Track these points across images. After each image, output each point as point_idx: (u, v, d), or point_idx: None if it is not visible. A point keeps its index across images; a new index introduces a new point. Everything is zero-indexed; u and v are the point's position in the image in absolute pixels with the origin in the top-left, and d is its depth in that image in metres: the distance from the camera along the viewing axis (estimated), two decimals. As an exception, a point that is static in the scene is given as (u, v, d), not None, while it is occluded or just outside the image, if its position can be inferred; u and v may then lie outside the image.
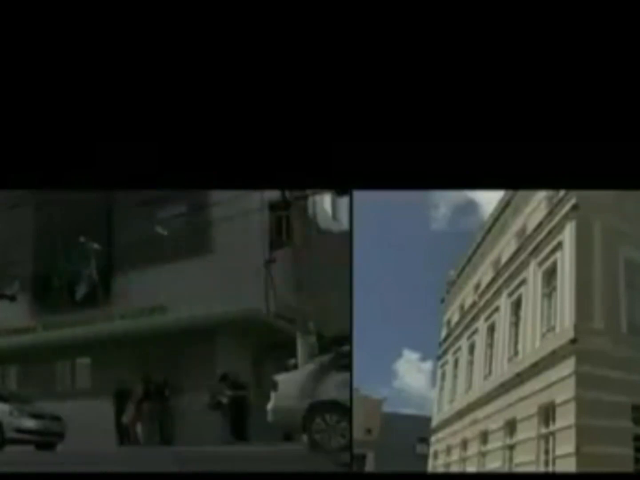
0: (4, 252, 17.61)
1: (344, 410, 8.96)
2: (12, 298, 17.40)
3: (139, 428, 16.15)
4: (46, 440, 14.16)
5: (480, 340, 14.46)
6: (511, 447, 10.84)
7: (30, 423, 13.82)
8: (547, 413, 9.36)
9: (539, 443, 9.47)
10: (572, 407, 8.41)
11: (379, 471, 23.85)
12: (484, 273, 14.99)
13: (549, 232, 10.44)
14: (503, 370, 12.06)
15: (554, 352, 9.26)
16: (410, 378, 52.97)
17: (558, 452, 8.69)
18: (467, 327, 15.84)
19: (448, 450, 15.50)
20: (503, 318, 12.71)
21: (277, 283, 15.04)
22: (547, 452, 9.25)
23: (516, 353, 11.56)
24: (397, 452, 24.66)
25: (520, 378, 10.54)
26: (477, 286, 15.50)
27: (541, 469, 9.24)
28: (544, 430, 9.43)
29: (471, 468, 13.07)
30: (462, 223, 54.79)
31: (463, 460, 13.96)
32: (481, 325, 14.48)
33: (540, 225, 10.94)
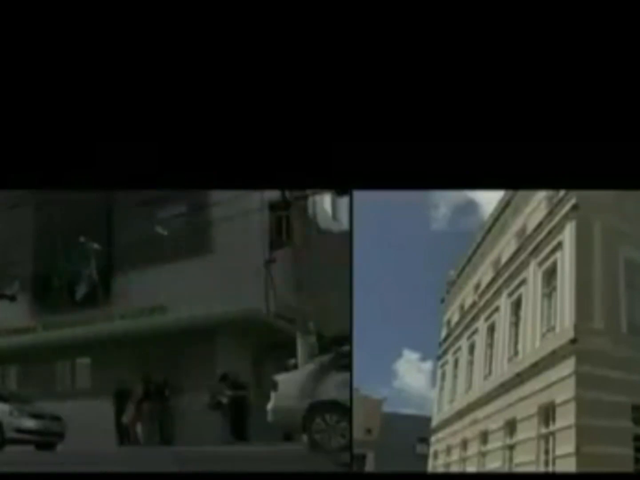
0: (4, 252, 17.61)
1: (344, 410, 8.96)
2: (12, 298, 17.40)
3: (138, 428, 16.15)
4: (46, 440, 14.16)
5: (480, 340, 14.46)
6: (511, 447, 10.84)
7: (30, 423, 13.82)
8: (547, 413, 9.36)
9: (539, 443, 9.46)
10: (572, 407, 8.41)
11: (379, 471, 23.85)
12: (484, 273, 14.99)
13: (549, 232, 10.43)
14: (503, 370, 12.06)
15: (554, 352, 9.26)
16: (410, 378, 53.02)
17: (558, 452, 8.69)
18: (467, 327, 15.84)
19: (448, 450, 15.50)
20: (503, 318, 12.71)
21: (277, 283, 15.04)
22: (547, 452, 9.25)
23: (516, 353, 11.56)
24: (397, 452, 24.66)
25: (520, 378, 10.54)
26: (477, 286, 15.50)
27: (541, 469, 9.24)
28: (544, 430, 9.43)
29: (471, 468, 13.07)
30: (462, 223, 54.84)
31: (463, 460, 13.96)
32: (481, 325, 14.48)
33: (540, 225, 10.94)
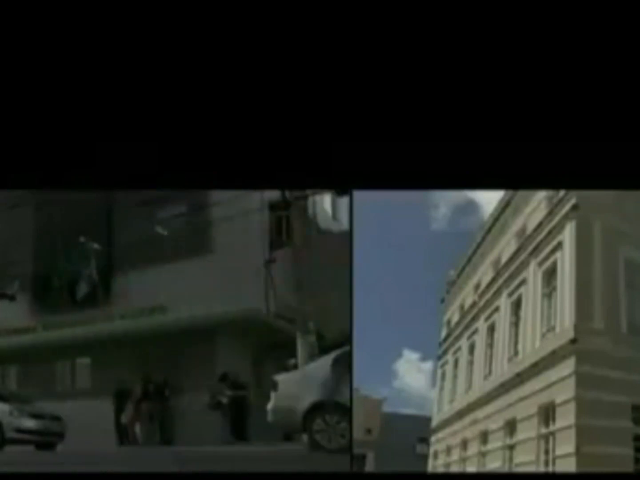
0: (4, 252, 17.62)
1: (344, 410, 8.95)
2: (12, 298, 17.39)
3: (138, 428, 16.15)
4: (46, 440, 14.16)
5: (480, 340, 14.46)
6: (511, 447, 10.84)
7: (30, 423, 13.82)
8: (547, 413, 9.36)
9: (539, 443, 9.46)
10: (572, 407, 8.41)
11: (379, 471, 23.85)
12: (484, 273, 14.98)
13: (549, 232, 10.43)
14: (503, 370, 12.06)
15: (554, 352, 9.26)
16: (410, 378, 53.03)
17: (558, 452, 8.69)
18: (467, 327, 15.84)
19: (448, 450, 15.50)
20: (503, 318, 12.71)
21: (277, 283, 15.04)
22: (547, 452, 9.25)
23: (516, 353, 11.55)
24: (397, 452, 24.65)
25: (520, 378, 10.54)
26: (477, 286, 15.50)
27: (541, 469, 9.24)
28: (544, 430, 9.43)
29: (471, 468, 13.06)
30: (462, 223, 54.84)
31: (463, 460, 13.96)
32: (481, 325, 14.48)
33: (540, 225, 10.94)
